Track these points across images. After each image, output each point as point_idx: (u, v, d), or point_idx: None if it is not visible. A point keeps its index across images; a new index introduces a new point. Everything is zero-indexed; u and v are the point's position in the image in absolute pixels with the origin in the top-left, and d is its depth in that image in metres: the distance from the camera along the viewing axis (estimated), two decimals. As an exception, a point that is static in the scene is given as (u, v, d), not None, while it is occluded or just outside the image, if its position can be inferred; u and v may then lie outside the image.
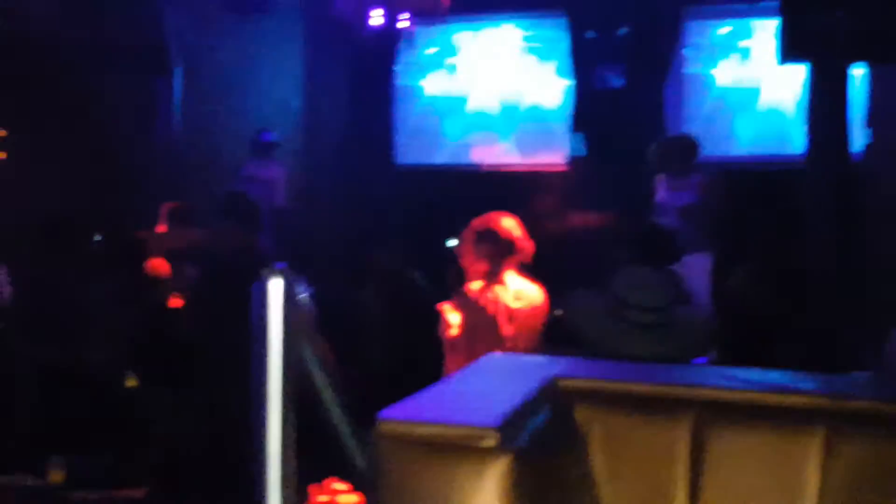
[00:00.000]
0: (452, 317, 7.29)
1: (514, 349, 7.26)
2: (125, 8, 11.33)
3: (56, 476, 6.20)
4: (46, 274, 9.99)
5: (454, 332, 7.21)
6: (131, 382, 7.95)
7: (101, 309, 9.37)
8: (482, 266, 7.45)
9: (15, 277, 10.57)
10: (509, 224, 7.36)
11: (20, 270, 10.66)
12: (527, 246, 7.45)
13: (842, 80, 9.47)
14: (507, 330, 7.12)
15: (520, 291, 7.36)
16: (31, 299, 9.99)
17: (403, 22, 9.16)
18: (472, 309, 7.24)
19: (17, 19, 10.64)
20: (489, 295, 7.29)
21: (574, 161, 12.88)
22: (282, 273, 2.02)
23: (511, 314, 7.19)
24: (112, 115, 11.74)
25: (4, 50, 10.84)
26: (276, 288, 1.99)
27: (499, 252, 7.34)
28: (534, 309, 7.34)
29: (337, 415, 2.22)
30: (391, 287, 8.68)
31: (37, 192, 11.28)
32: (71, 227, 10.48)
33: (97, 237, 10.65)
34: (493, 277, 7.38)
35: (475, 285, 7.43)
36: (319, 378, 2.15)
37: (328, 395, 2.18)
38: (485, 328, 7.08)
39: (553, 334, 7.52)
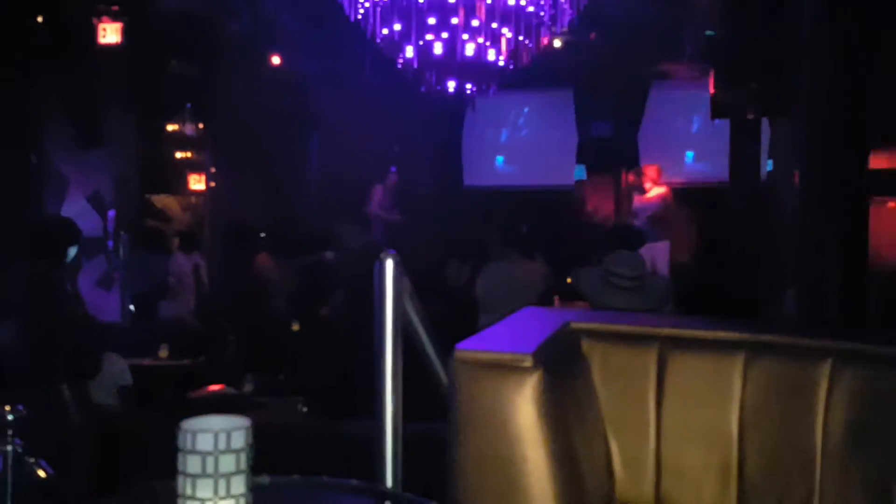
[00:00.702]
0: (481, 282, 7.45)
1: (530, 304, 7.32)
2: (288, 86, 11.42)
3: (248, 387, 6.27)
4: (235, 259, 10.14)
5: (480, 292, 7.37)
6: (295, 327, 8.03)
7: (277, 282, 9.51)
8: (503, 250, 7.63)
9: (218, 262, 10.70)
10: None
11: (220, 258, 10.80)
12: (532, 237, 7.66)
13: (752, 128, 9.43)
14: (517, 292, 7.18)
15: (526, 265, 7.50)
16: (232, 275, 10.12)
17: (468, 90, 9.18)
18: (495, 277, 7.36)
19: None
20: (504, 269, 7.40)
21: (577, 182, 12.93)
22: (392, 256, 2.04)
23: (521, 282, 7.28)
24: (280, 157, 11.83)
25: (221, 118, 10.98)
26: (389, 265, 2.02)
27: (512, 241, 7.57)
28: (534, 279, 7.44)
29: (429, 347, 2.23)
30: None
31: (233, 208, 11.40)
32: (246, 230, 10.62)
33: (262, 234, 10.76)
34: (508, 257, 7.52)
35: (497, 262, 7.55)
36: (417, 324, 2.17)
37: (423, 334, 2.20)
38: (503, 291, 7.17)
39: (565, 295, 7.55)
